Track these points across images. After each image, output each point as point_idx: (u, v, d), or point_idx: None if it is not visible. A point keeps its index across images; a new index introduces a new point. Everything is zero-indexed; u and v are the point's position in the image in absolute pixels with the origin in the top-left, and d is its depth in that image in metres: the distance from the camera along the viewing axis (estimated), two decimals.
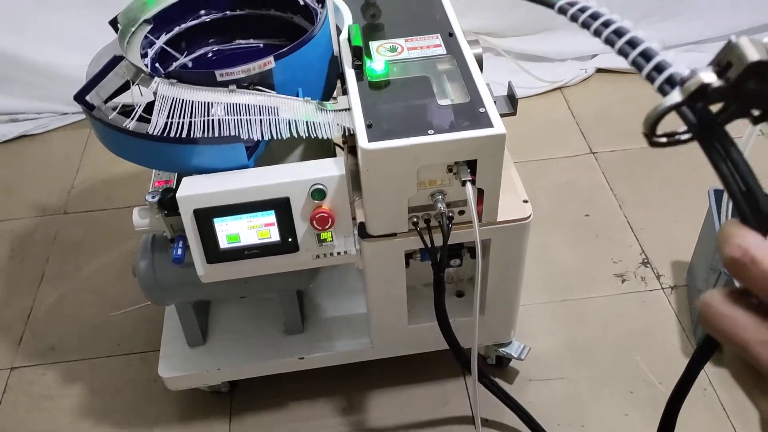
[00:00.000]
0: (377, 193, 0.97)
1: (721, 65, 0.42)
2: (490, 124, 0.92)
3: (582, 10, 0.44)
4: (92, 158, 1.92)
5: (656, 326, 1.41)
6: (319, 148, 1.16)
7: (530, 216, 1.05)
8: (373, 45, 1.09)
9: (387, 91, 1.01)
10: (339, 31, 1.16)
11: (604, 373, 1.34)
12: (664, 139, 0.42)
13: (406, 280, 1.12)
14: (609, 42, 0.42)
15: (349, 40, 1.07)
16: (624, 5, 2.06)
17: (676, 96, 0.42)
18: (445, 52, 1.07)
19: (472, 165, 0.94)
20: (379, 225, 1.01)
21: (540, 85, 2.07)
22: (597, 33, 0.43)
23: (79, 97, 1.04)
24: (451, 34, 1.11)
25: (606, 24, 0.42)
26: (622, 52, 0.41)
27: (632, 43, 0.40)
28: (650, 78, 0.40)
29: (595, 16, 0.43)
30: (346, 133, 1.00)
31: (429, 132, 0.91)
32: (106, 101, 1.06)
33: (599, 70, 2.12)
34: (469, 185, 0.92)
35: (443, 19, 1.15)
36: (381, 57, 1.06)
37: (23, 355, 1.44)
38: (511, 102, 1.10)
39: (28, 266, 1.63)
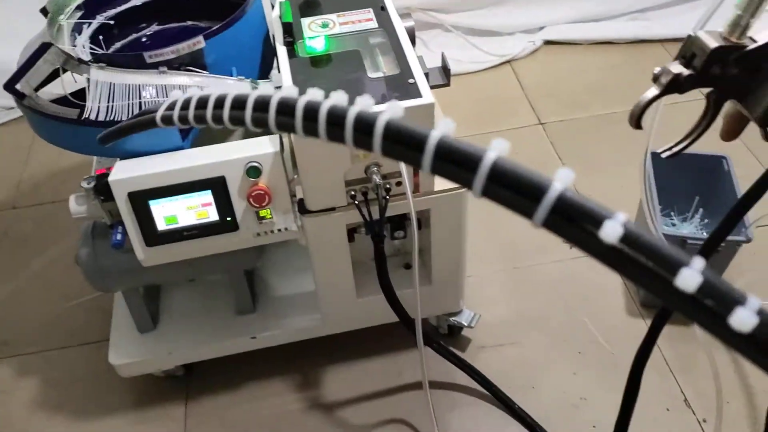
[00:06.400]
0: (312, 167, 0.98)
1: (686, 57, 0.50)
2: (418, 94, 0.93)
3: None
4: (40, 151, 1.89)
5: (603, 289, 1.44)
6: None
7: None
8: (305, 21, 1.09)
9: (318, 67, 1.01)
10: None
11: (553, 336, 1.37)
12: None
13: (352, 254, 1.13)
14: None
15: (280, 17, 1.07)
16: None
17: (653, 90, 0.51)
18: (377, 26, 1.08)
19: None
20: (317, 200, 1.02)
21: (489, 59, 2.08)
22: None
23: (9, 86, 1.03)
24: (383, 8, 1.11)
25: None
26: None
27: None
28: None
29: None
30: None
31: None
32: (36, 89, 1.05)
33: (547, 42, 2.14)
34: None
35: None
36: (313, 33, 1.06)
37: None
38: (444, 73, 1.11)
39: None
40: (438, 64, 1.13)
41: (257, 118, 0.34)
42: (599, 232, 0.26)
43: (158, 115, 0.42)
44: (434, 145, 0.29)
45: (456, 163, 0.28)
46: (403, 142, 0.30)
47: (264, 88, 0.35)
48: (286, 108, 0.32)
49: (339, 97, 0.32)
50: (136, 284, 1.16)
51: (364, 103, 0.31)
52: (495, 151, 0.28)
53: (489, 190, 0.28)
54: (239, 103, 0.35)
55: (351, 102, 0.32)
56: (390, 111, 0.30)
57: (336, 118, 0.31)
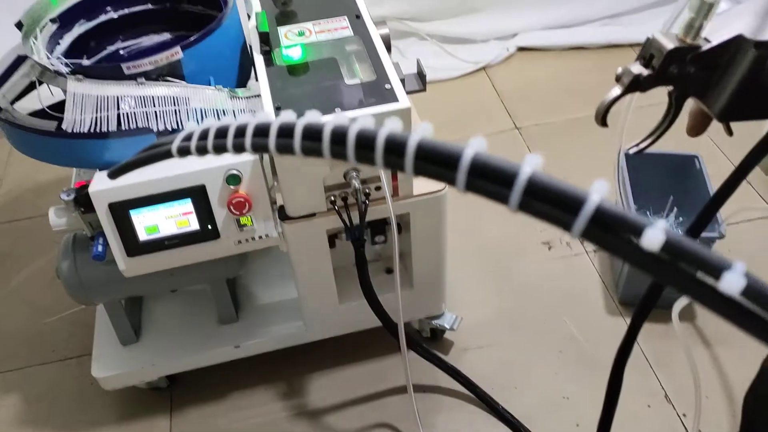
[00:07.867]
0: (291, 173, 0.98)
1: (646, 58, 0.54)
2: (395, 99, 0.95)
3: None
4: (16, 167, 1.88)
5: (581, 288, 1.46)
6: None
7: (445, 188, 1.08)
8: (282, 30, 1.10)
9: (296, 75, 1.02)
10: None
11: (534, 336, 1.39)
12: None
13: (334, 260, 1.14)
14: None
15: (256, 26, 1.08)
16: None
17: (616, 90, 0.54)
18: (352, 34, 1.09)
19: None
20: (297, 206, 1.03)
21: (464, 66, 2.11)
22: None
23: None
24: (358, 16, 1.13)
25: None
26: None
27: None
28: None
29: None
30: None
31: (336, 110, 0.93)
32: (12, 102, 1.05)
33: (520, 49, 2.18)
34: None
35: (351, 1, 1.17)
36: (289, 41, 1.08)
37: None
38: (420, 79, 1.13)
39: None
40: (414, 71, 1.15)
41: (281, 144, 0.34)
42: (641, 241, 0.26)
43: (174, 146, 0.41)
44: (468, 162, 0.29)
45: (491, 179, 0.29)
46: (436, 161, 0.30)
47: (286, 115, 0.35)
48: (313, 133, 0.33)
49: (365, 121, 0.32)
50: (118, 296, 1.16)
51: (392, 126, 0.31)
52: (530, 165, 0.28)
53: (525, 204, 0.28)
54: (261, 131, 0.35)
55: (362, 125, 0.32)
56: (421, 131, 0.31)
57: (365, 140, 0.31)
